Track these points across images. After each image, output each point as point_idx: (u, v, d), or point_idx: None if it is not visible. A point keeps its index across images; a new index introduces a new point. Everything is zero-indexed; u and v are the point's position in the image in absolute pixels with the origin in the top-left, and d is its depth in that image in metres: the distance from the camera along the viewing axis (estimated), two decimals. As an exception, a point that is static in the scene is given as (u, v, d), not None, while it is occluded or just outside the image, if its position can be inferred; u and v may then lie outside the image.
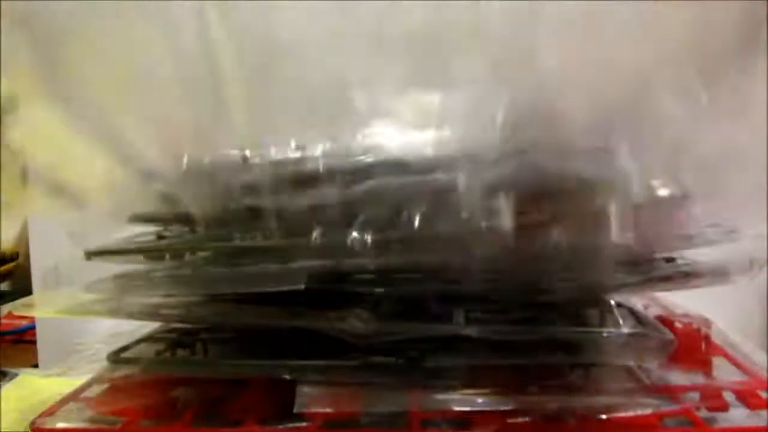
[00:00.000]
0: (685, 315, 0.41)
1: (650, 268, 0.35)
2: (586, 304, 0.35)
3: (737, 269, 0.34)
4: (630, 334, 0.31)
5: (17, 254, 1.13)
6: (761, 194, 0.32)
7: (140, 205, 0.36)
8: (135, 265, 0.36)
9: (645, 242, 0.33)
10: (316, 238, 0.32)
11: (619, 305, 0.34)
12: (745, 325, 0.42)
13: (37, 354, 0.69)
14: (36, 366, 0.67)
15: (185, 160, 0.37)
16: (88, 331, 0.43)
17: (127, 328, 0.39)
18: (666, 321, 0.38)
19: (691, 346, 0.37)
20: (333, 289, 0.33)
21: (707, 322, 0.39)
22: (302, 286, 0.31)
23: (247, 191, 0.36)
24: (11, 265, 1.13)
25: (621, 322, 0.32)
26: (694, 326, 0.38)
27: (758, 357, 0.41)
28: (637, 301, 0.41)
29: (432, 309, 0.33)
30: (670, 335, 0.32)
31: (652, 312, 0.41)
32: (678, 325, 0.39)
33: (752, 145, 0.31)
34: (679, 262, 0.36)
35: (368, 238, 0.31)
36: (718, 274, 0.34)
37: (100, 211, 0.36)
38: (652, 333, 0.31)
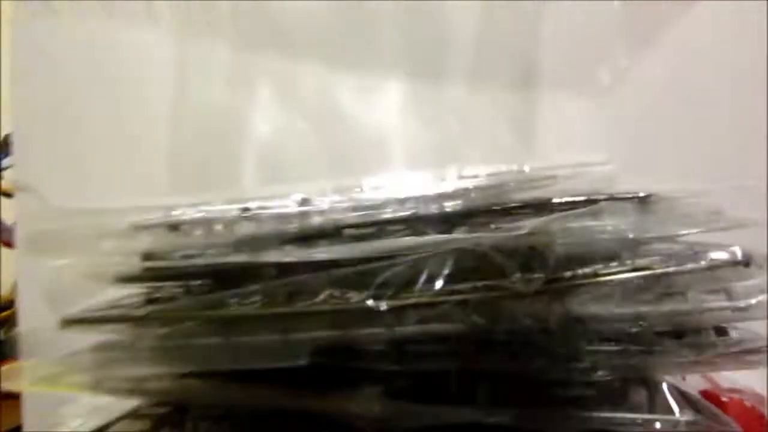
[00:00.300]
0: (733, 390, 0.37)
1: (698, 341, 0.31)
2: (630, 381, 0.30)
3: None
4: (688, 425, 0.26)
5: (13, 302, 1.09)
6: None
7: (126, 263, 0.32)
8: (117, 334, 0.32)
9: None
10: (323, 303, 0.29)
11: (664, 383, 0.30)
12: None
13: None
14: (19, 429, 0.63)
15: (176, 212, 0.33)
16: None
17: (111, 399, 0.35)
18: (711, 396, 0.34)
19: (747, 428, 0.32)
20: (340, 365, 0.29)
21: (761, 399, 0.35)
22: (305, 362, 0.28)
23: (245, 246, 0.32)
24: (7, 313, 1.09)
25: (675, 407, 0.27)
26: (748, 404, 0.34)
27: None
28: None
29: (453, 387, 0.29)
30: (734, 426, 0.27)
31: (692, 384, 0.37)
32: (725, 399, 0.35)
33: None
34: (733, 334, 0.31)
35: (384, 304, 0.27)
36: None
37: (80, 270, 0.32)
38: (713, 424, 0.27)
